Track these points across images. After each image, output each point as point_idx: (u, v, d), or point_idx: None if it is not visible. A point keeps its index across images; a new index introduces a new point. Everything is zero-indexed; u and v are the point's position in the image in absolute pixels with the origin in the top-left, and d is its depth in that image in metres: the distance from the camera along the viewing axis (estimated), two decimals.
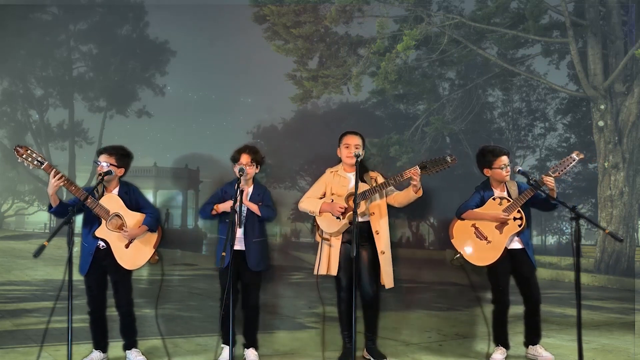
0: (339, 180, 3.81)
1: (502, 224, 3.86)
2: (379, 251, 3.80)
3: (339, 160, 3.86)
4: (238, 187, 3.66)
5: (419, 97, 9.87)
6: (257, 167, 3.89)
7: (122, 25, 10.53)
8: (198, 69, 9.72)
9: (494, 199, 3.90)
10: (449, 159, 3.53)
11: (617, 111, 8.22)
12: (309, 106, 9.96)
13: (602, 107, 8.25)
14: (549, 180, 3.67)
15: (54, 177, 3.51)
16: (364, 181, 3.84)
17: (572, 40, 8.47)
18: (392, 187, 3.83)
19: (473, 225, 3.95)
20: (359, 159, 3.70)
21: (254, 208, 3.77)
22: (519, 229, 3.80)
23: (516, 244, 3.90)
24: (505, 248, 3.85)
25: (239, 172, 3.67)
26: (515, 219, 3.83)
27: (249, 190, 3.85)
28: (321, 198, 3.91)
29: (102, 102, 10.29)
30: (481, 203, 3.95)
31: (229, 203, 3.71)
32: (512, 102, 10.54)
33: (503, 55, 9.38)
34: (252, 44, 9.40)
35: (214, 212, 3.82)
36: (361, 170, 3.87)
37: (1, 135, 9.94)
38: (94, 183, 3.74)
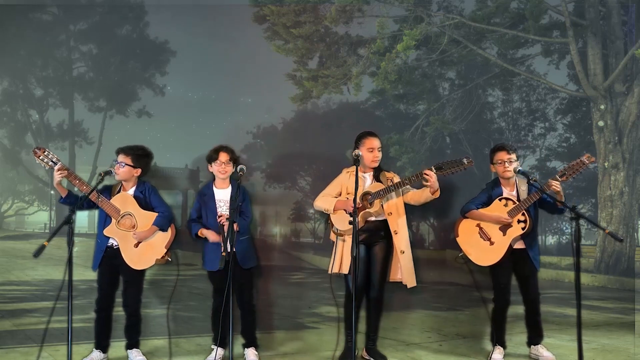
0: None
1: (505, 226, 3.84)
2: (398, 251, 3.81)
3: (355, 161, 3.78)
4: (238, 187, 3.66)
5: (419, 97, 9.88)
6: (233, 166, 3.90)
7: (122, 25, 10.53)
8: (198, 69, 9.71)
9: (500, 199, 3.89)
10: (465, 161, 3.51)
11: (617, 111, 8.23)
12: (309, 106, 9.96)
13: (602, 107, 8.25)
14: (555, 185, 3.63)
15: (57, 170, 3.56)
16: (379, 181, 3.85)
17: (572, 40, 8.47)
18: (408, 186, 3.83)
19: (478, 225, 3.95)
20: (358, 158, 3.71)
21: (234, 228, 3.76)
22: (522, 232, 3.78)
23: (518, 244, 3.89)
24: (509, 248, 3.84)
25: (239, 171, 3.67)
26: (519, 221, 3.81)
27: (227, 189, 3.85)
28: (336, 197, 3.92)
29: (102, 102, 10.28)
30: (488, 201, 3.93)
31: (212, 234, 3.74)
32: (512, 102, 10.54)
33: (503, 55, 9.38)
34: (252, 44, 9.39)
35: (201, 234, 3.84)
36: (378, 170, 3.89)
37: (1, 135, 9.94)
38: (93, 183, 3.75)
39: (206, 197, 3.91)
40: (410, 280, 3.83)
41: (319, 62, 9.57)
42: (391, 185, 3.74)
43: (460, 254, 4.00)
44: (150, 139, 10.06)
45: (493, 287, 3.96)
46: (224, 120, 10.16)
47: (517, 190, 3.90)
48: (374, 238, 3.83)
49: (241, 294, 3.85)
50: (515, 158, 3.86)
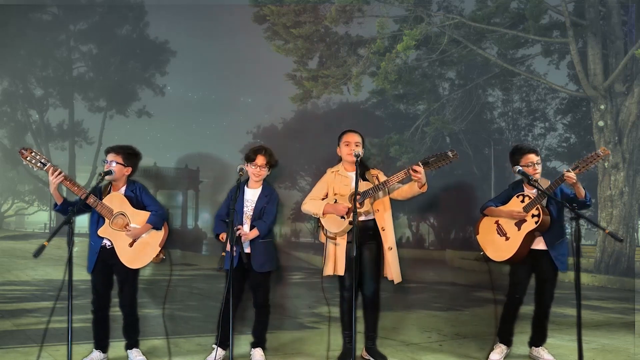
0: (341, 180, 3.82)
1: (521, 221, 3.86)
2: (386, 247, 3.82)
3: (339, 160, 3.86)
4: (238, 187, 3.66)
5: (419, 97, 9.88)
6: (269, 170, 3.91)
7: (122, 25, 10.52)
8: (198, 69, 9.70)
9: (517, 196, 3.91)
10: (450, 154, 3.55)
11: (617, 111, 8.23)
12: (309, 106, 9.95)
13: (602, 107, 8.26)
14: (569, 177, 3.64)
15: (52, 174, 3.52)
16: (365, 179, 3.86)
17: (572, 40, 8.49)
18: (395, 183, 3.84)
19: (496, 222, 3.98)
20: (358, 159, 3.71)
21: (253, 234, 3.76)
22: (535, 225, 3.79)
23: (539, 245, 3.90)
24: (525, 246, 3.84)
25: (239, 171, 3.67)
26: (533, 216, 3.82)
27: (258, 190, 3.86)
28: (323, 199, 3.92)
29: (102, 102, 10.27)
30: (508, 201, 3.96)
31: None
32: (512, 102, 10.53)
33: (503, 55, 9.39)
34: (252, 44, 9.39)
35: (221, 239, 3.83)
36: (362, 168, 3.89)
37: (1, 135, 9.94)
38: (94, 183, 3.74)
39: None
40: (397, 276, 3.83)
41: (319, 62, 9.56)
42: (379, 184, 3.75)
43: (482, 253, 4.03)
44: (150, 139, 10.05)
45: (509, 284, 3.97)
46: (224, 120, 10.14)
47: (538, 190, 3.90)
48: (363, 238, 3.84)
49: (255, 295, 3.86)
50: (540, 160, 3.89)
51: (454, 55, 9.53)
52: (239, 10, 9.43)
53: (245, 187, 3.92)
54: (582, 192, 3.70)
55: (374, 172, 3.94)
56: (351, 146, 3.88)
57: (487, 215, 4.05)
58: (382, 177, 3.87)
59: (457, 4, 9.75)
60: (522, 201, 3.89)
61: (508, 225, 3.92)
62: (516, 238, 3.87)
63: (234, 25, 9.36)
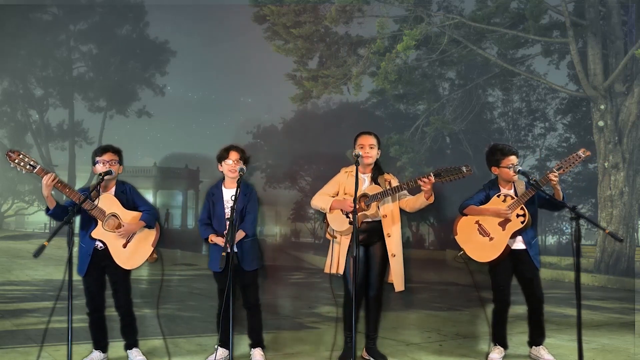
0: (353, 181, 3.80)
1: (505, 221, 3.84)
2: (389, 254, 3.81)
3: (354, 162, 3.81)
4: (238, 187, 3.66)
5: (419, 97, 9.88)
6: (243, 164, 3.88)
7: (122, 25, 10.53)
8: (198, 69, 9.72)
9: (498, 195, 3.90)
10: (464, 169, 3.53)
11: (617, 111, 8.23)
12: (309, 106, 9.97)
13: (602, 107, 8.25)
14: (553, 177, 3.66)
15: (46, 178, 3.47)
16: (377, 183, 3.86)
17: (572, 40, 8.48)
18: (405, 192, 3.84)
19: (477, 222, 3.94)
20: (358, 159, 3.71)
21: (240, 236, 3.76)
22: (522, 225, 3.78)
23: (519, 245, 3.89)
24: (508, 247, 3.84)
25: (239, 172, 3.66)
26: (518, 215, 3.82)
27: (234, 191, 3.85)
28: (333, 197, 3.92)
29: (102, 102, 10.29)
30: (486, 201, 3.94)
31: (221, 240, 3.71)
32: (512, 102, 10.54)
33: (503, 55, 9.39)
34: (252, 44, 9.40)
35: (210, 242, 3.81)
36: (376, 172, 3.90)
37: (1, 135, 9.94)
38: (93, 183, 3.73)
39: (214, 196, 3.90)
40: (398, 284, 3.83)
41: (319, 62, 9.57)
42: (389, 189, 3.75)
43: (460, 253, 3.99)
44: (150, 139, 10.07)
45: (492, 287, 3.95)
46: (224, 120, 10.18)
47: (515, 189, 3.91)
48: (371, 239, 3.84)
49: (245, 294, 3.85)
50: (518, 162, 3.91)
51: (454, 55, 9.54)
52: (239, 10, 9.45)
53: (223, 187, 3.91)
54: (560, 193, 3.72)
55: (387, 177, 3.94)
56: (366, 149, 3.87)
57: (466, 215, 4.03)
58: (395, 183, 3.87)
59: (457, 4, 9.77)
60: (504, 201, 3.89)
61: (490, 225, 3.90)
62: (501, 238, 3.85)
63: (234, 25, 9.37)
